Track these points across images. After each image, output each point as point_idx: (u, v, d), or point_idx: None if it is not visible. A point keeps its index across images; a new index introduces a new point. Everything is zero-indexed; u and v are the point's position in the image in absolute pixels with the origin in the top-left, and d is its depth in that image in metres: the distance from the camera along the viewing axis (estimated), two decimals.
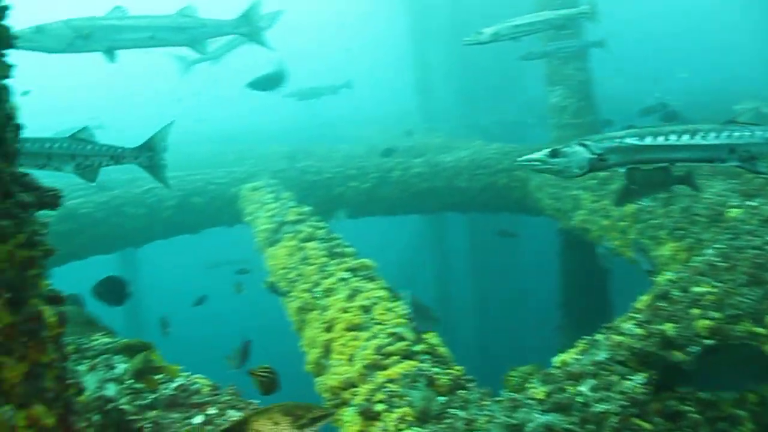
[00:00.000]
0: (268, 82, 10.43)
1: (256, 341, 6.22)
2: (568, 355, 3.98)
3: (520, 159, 4.74)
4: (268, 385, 3.71)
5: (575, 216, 8.69)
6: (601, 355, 3.75)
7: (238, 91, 10.63)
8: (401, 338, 4.49)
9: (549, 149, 4.60)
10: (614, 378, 3.53)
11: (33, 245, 2.28)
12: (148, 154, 4.97)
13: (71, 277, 6.82)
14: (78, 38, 6.83)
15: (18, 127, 2.34)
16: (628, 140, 4.48)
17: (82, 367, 4.15)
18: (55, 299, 2.49)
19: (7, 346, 2.12)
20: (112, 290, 5.94)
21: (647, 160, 4.66)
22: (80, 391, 2.69)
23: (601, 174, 8.08)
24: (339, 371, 4.43)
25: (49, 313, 2.36)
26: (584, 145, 4.54)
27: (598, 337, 4.04)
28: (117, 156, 4.75)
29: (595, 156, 4.50)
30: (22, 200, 2.27)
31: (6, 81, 2.31)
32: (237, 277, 12.30)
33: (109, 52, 7.30)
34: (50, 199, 2.43)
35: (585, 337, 4.17)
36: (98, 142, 4.67)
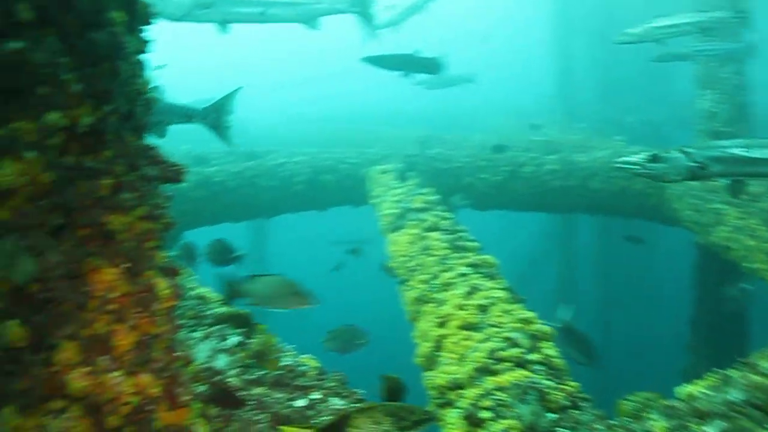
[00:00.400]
0: (419, 66, 10.32)
1: (366, 325, 6.20)
2: (696, 388, 3.65)
3: (617, 160, 4.52)
4: (394, 394, 3.63)
5: (716, 231, 8.09)
6: (735, 395, 3.40)
7: (375, 73, 10.60)
8: (516, 344, 4.31)
9: (648, 153, 4.35)
10: (748, 424, 3.19)
11: (154, 218, 2.32)
12: (214, 116, 5.17)
13: (199, 242, 7.12)
14: (196, 8, 7.09)
15: (148, 102, 2.38)
16: (734, 151, 4.14)
17: (197, 334, 4.26)
18: (170, 271, 2.53)
19: (120, 314, 2.17)
20: (220, 252, 6.25)
21: (751, 174, 4.30)
22: (188, 363, 2.73)
23: (751, 189, 7.47)
24: (448, 370, 4.32)
25: (163, 285, 2.39)
26: (685, 153, 4.27)
27: (733, 373, 3.68)
28: (187, 115, 4.93)
29: (696, 164, 4.21)
30: (147, 174, 2.31)
31: (141, 56, 2.35)
32: (350, 257, 12.48)
33: (223, 25, 7.52)
34: (173, 173, 2.46)
35: (716, 369, 3.82)
36: (170, 101, 4.84)
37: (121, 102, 2.16)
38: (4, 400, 1.93)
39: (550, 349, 4.35)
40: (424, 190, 8.90)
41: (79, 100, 1.98)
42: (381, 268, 7.34)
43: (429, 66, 10.05)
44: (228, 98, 5.30)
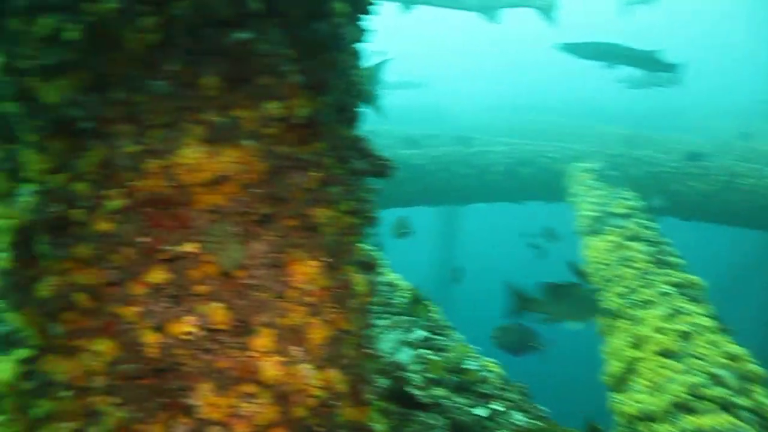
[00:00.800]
0: (643, 62, 9.67)
1: (543, 328, 5.88)
2: None
3: None
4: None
5: None
6: None
7: (576, 64, 10.12)
8: (721, 383, 3.89)
9: None
10: None
11: (357, 213, 2.29)
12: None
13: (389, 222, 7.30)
14: None
15: (361, 93, 2.35)
16: None
17: (383, 322, 4.27)
18: (367, 266, 2.50)
19: (317, 308, 2.16)
20: (397, 227, 6.65)
21: None
22: (375, 359, 2.70)
23: None
24: (640, 398, 4.00)
25: (360, 281, 2.36)
26: None
27: None
28: None
29: None
30: (355, 167, 2.28)
31: (357, 46, 2.31)
32: (542, 252, 12.10)
33: (406, 5, 7.44)
34: (381, 168, 2.42)
35: None
36: None
37: (337, 93, 2.14)
38: (203, 377, 1.99)
39: (762, 396, 3.87)
40: (627, 194, 8.39)
41: (297, 91, 1.97)
42: (571, 271, 7.00)
43: (652, 62, 9.33)
44: (376, 68, 5.24)
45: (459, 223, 18.88)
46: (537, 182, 11.00)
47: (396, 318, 4.36)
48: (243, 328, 2.00)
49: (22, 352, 2.03)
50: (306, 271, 2.09)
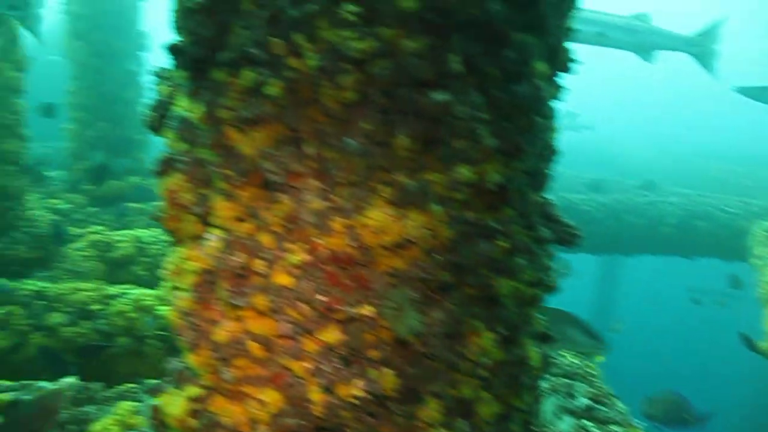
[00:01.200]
0: None
1: (706, 402, 5.29)
2: None
3: None
4: None
5: None
6: None
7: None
8: None
9: None
10: None
11: (540, 284, 2.14)
12: None
13: None
14: None
15: (554, 153, 2.20)
16: None
17: (544, 384, 4.04)
18: (543, 337, 2.34)
19: (489, 381, 2.03)
20: (562, 269, 6.66)
21: None
22: None
23: None
24: None
25: (535, 355, 2.21)
26: None
27: None
28: None
29: None
30: (541, 235, 2.13)
31: (554, 103, 2.17)
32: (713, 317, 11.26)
33: None
34: (568, 237, 2.25)
35: None
36: None
37: (531, 158, 2.01)
38: None
39: None
40: None
41: (491, 155, 1.87)
42: (743, 342, 6.39)
43: None
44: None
45: (622, 274, 17.97)
46: (713, 238, 10.24)
47: (555, 380, 4.13)
48: (411, 396, 1.91)
49: (193, 390, 2.05)
50: (482, 343, 1.97)
